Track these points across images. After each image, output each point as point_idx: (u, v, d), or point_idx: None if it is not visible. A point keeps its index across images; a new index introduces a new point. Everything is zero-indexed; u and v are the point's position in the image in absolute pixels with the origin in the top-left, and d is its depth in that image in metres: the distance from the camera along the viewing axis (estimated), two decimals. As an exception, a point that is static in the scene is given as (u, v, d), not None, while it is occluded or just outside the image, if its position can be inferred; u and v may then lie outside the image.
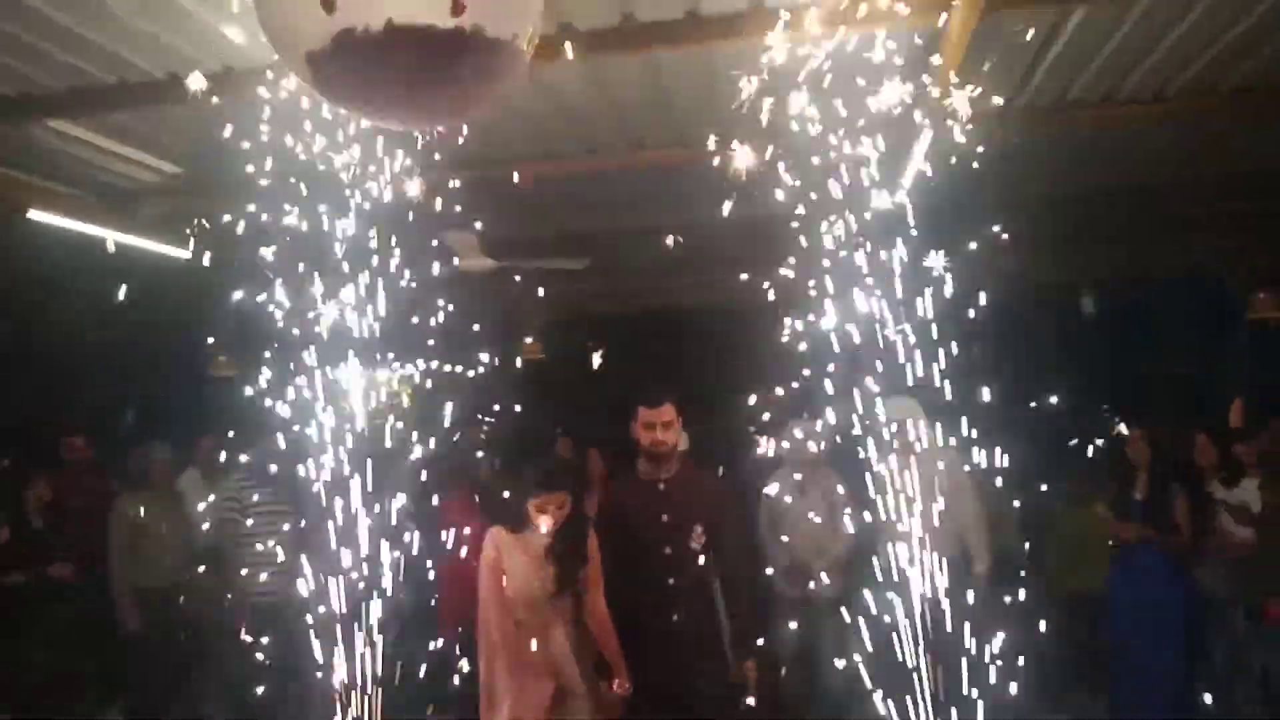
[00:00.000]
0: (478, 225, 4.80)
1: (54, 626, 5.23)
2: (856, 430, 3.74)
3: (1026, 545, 5.36)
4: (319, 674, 3.29)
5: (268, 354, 4.19)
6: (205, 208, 5.71)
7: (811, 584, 4.81)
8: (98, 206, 5.46)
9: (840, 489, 5.00)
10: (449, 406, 4.00)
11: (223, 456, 5.64)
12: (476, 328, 4.48)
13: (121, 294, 6.13)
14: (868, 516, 3.79)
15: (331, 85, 2.19)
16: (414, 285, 3.87)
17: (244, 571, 4.59)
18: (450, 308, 4.03)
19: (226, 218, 5.33)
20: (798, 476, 5.04)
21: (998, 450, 3.46)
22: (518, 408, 5.83)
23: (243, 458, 4.86)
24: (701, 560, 3.67)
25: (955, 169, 3.47)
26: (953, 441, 4.34)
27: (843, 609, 4.08)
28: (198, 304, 6.74)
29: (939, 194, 3.80)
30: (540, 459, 4.32)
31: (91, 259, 5.61)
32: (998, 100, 4.18)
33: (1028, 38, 3.82)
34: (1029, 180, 5.55)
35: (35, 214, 4.99)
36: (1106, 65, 4.19)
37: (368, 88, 2.16)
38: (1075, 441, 5.52)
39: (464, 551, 3.93)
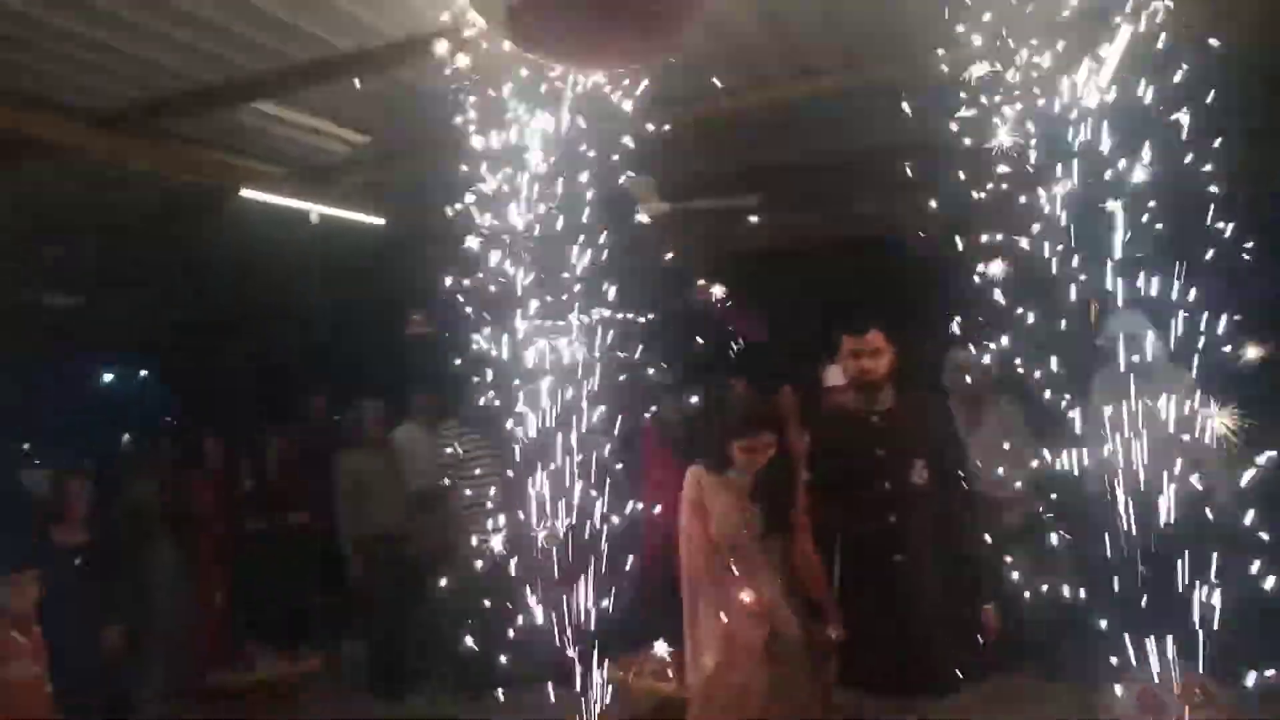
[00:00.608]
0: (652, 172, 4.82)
1: (292, 567, 5.80)
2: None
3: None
4: (531, 615, 3.49)
5: (469, 311, 4.44)
6: (398, 175, 6.09)
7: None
8: (298, 181, 5.85)
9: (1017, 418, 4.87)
10: (633, 352, 4.08)
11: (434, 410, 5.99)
12: (660, 271, 4.52)
13: (327, 261, 6.63)
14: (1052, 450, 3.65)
15: (533, 36, 2.27)
16: (604, 233, 3.96)
17: (462, 512, 4.90)
18: (636, 254, 4.09)
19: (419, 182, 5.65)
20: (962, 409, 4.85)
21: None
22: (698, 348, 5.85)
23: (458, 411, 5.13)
24: (925, 496, 3.37)
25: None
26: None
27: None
28: (399, 267, 7.20)
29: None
30: (744, 400, 4.36)
31: (297, 231, 6.06)
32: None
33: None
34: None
35: (247, 192, 5.41)
36: None
37: (567, 34, 2.22)
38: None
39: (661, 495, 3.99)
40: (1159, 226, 3.18)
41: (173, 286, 8.34)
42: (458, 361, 4.25)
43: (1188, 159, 3.22)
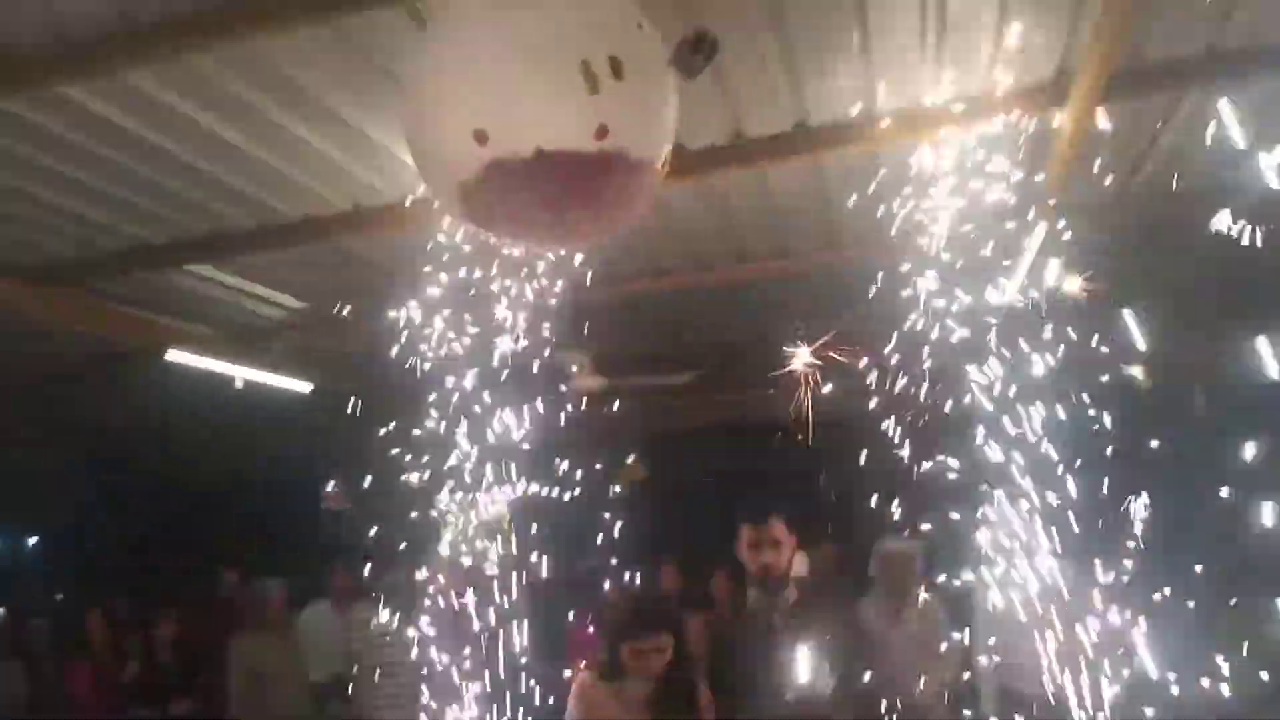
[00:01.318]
0: (586, 346, 4.87)
1: None
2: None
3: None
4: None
5: (388, 482, 4.31)
6: (329, 342, 6.03)
7: None
8: (227, 344, 5.74)
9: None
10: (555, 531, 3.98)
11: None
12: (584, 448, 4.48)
13: (246, 427, 6.41)
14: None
15: (482, 213, 2.29)
16: (533, 410, 3.95)
17: (379, 704, 4.53)
18: (562, 428, 4.08)
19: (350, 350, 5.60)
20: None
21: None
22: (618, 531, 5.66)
23: (375, 587, 4.83)
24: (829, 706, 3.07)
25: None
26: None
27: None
28: (319, 436, 7.00)
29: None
30: (636, 596, 3.92)
31: (217, 395, 5.89)
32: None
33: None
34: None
35: (172, 354, 5.26)
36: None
37: (517, 213, 2.24)
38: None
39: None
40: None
41: (73, 448, 7.93)
42: (379, 537, 4.09)
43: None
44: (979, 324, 3.65)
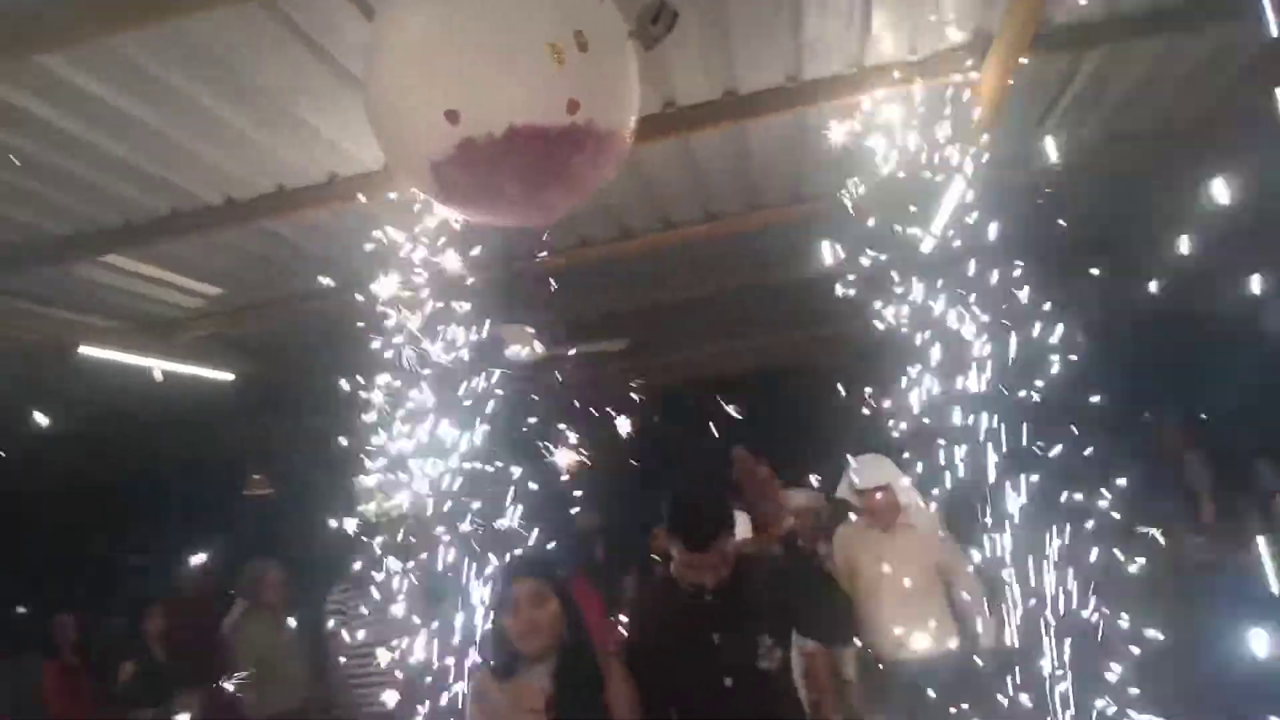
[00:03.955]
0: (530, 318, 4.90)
1: None
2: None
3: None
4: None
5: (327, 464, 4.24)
6: (251, 329, 5.87)
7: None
8: (142, 336, 5.52)
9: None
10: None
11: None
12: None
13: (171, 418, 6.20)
14: None
15: (455, 192, 2.30)
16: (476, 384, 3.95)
17: (355, 682, 4.50)
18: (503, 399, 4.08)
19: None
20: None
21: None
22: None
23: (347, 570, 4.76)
24: (776, 679, 2.72)
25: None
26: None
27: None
28: (246, 424, 6.82)
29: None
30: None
31: (143, 387, 5.67)
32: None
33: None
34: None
35: (86, 349, 5.04)
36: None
37: (490, 190, 2.26)
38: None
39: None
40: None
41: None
42: (341, 525, 4.05)
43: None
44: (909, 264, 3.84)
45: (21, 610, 6.39)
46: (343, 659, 4.43)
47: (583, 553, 5.85)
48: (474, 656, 3.31)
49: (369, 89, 2.30)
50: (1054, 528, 3.45)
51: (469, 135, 2.12)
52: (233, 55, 3.07)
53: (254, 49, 3.04)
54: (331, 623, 4.52)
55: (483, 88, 2.11)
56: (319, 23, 2.96)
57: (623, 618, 3.31)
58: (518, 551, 3.45)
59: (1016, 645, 3.45)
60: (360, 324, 3.79)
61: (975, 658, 4.04)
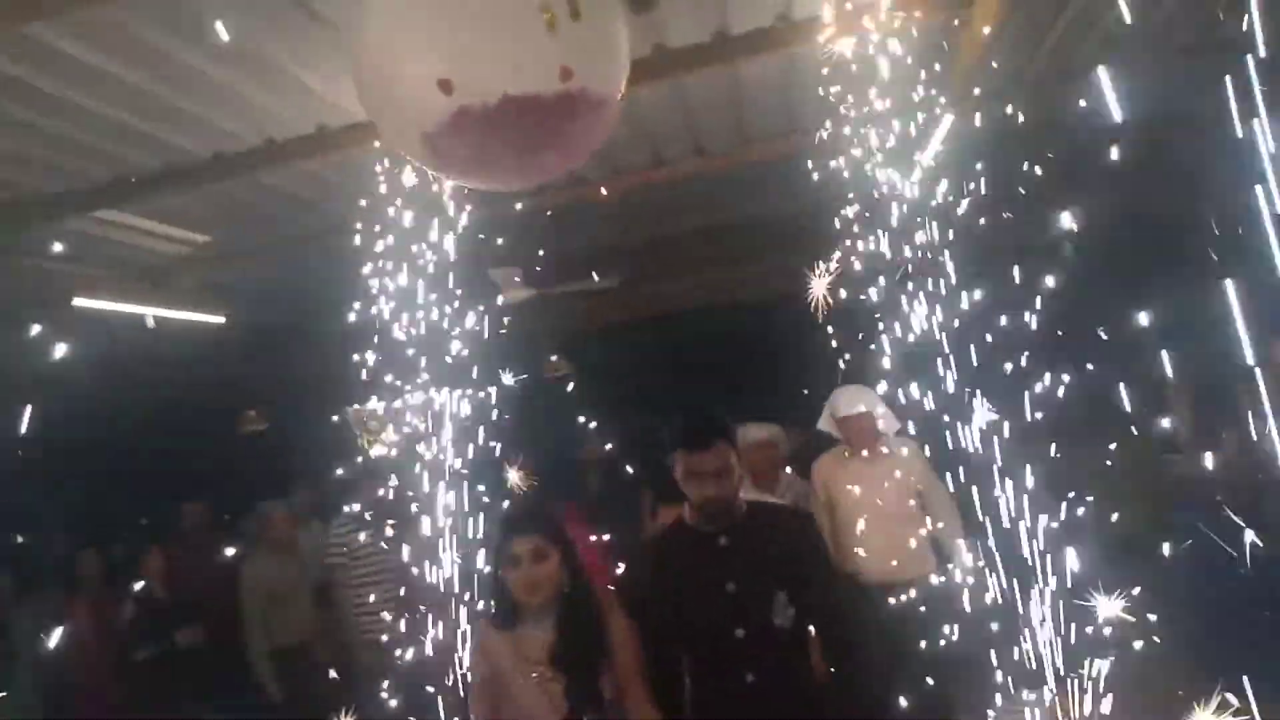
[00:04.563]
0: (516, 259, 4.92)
1: (193, 693, 5.21)
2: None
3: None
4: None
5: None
6: (239, 273, 5.88)
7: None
8: (131, 284, 5.52)
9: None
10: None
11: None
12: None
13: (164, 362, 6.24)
14: None
15: (448, 160, 2.32)
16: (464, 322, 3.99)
17: (358, 614, 4.67)
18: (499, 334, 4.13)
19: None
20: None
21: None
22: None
23: (347, 505, 4.88)
24: (790, 640, 2.61)
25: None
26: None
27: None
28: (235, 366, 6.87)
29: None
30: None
31: (138, 335, 5.70)
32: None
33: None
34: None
35: (80, 301, 5.05)
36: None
37: (484, 158, 2.28)
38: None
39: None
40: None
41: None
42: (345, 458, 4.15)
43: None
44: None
45: (27, 542, 6.51)
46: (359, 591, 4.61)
47: (580, 484, 5.99)
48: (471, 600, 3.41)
49: (357, 58, 2.29)
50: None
51: (463, 105, 2.13)
52: (209, 8, 3.02)
53: (242, 10, 3.00)
54: (333, 558, 4.69)
55: (476, 57, 2.11)
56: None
57: (619, 559, 3.32)
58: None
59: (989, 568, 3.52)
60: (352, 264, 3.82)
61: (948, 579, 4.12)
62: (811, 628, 2.61)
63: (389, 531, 4.34)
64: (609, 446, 5.80)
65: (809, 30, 3.63)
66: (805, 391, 4.85)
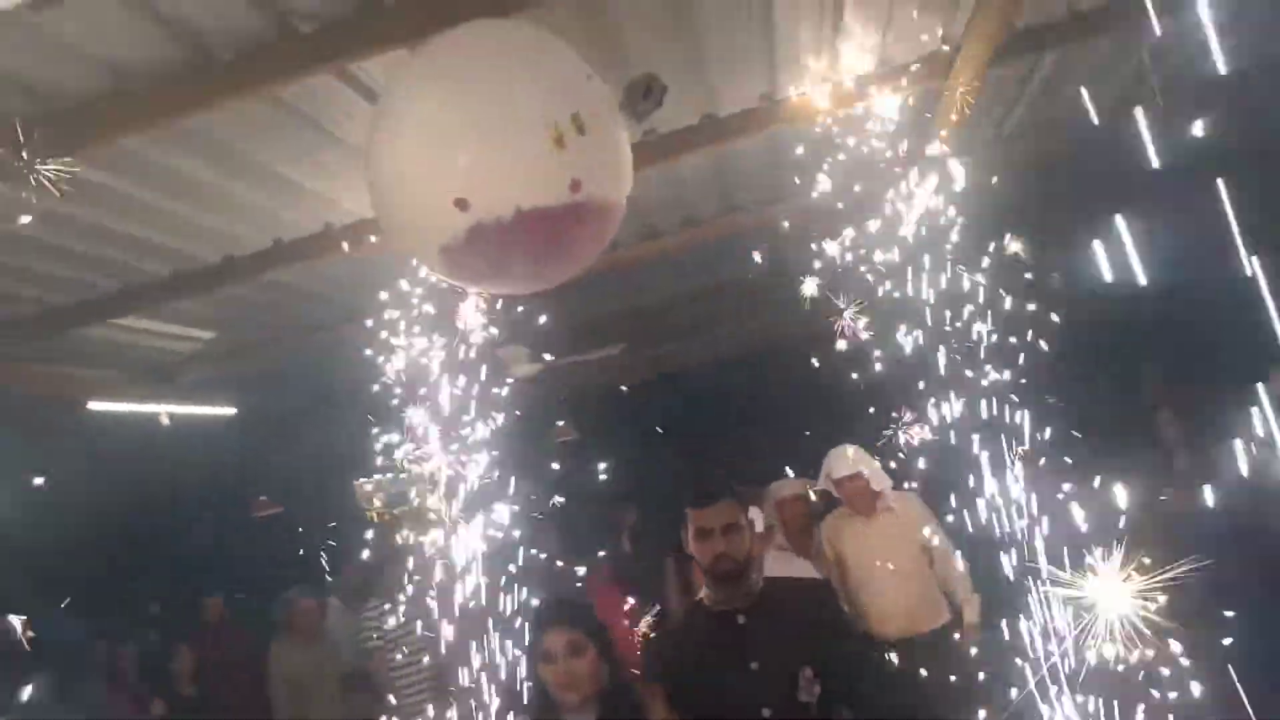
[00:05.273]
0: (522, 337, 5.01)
1: None
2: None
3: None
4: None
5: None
6: (249, 366, 5.95)
7: None
8: (142, 384, 5.59)
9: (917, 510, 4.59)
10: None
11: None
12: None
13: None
14: None
15: (464, 271, 2.42)
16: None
17: (395, 699, 4.68)
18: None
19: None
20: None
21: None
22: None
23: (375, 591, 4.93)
24: (819, 716, 2.52)
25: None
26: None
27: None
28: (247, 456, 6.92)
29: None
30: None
31: (145, 431, 5.76)
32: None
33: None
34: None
35: (95, 404, 5.13)
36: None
37: (498, 268, 2.38)
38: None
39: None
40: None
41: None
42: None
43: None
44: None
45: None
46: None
47: (611, 545, 6.02)
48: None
49: (375, 180, 2.39)
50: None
51: (479, 221, 2.23)
52: (220, 129, 3.15)
53: (252, 130, 3.12)
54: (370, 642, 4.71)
55: (490, 175, 2.22)
56: (324, 111, 3.06)
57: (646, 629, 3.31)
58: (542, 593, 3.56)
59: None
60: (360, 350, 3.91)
61: (959, 633, 4.24)
62: (843, 709, 2.57)
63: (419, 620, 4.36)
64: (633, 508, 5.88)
65: (792, 108, 3.79)
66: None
